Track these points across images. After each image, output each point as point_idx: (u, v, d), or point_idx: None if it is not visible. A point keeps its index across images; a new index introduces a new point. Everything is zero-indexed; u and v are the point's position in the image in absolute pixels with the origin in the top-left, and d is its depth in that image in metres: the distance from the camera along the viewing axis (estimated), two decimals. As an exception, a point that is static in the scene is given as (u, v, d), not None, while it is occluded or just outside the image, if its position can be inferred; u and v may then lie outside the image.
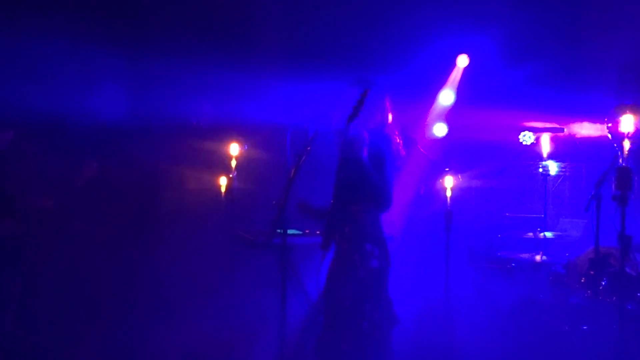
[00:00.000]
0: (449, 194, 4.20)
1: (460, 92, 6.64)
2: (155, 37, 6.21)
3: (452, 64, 6.61)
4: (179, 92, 6.15)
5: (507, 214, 6.40)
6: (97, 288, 5.35)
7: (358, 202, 3.28)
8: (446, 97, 6.72)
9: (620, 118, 3.89)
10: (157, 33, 6.25)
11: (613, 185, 3.70)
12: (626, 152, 3.74)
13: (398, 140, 3.40)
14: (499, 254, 5.44)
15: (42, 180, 5.10)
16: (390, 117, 3.47)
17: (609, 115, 4.41)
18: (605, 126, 4.47)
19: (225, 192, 4.72)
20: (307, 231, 4.25)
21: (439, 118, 6.75)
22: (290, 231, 3.29)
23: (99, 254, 5.49)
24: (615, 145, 3.81)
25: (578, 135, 6.10)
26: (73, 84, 5.76)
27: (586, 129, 6.04)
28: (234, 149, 4.66)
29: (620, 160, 3.73)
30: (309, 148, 3.24)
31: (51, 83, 5.60)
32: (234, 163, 4.60)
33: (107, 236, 5.64)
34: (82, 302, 5.15)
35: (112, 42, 5.90)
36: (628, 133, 3.83)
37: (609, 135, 4.11)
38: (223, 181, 4.75)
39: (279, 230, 3.16)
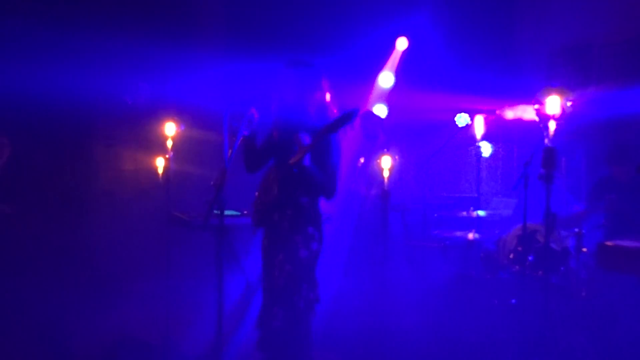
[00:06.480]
0: (386, 174, 4.26)
1: (399, 74, 6.73)
2: (91, 12, 5.98)
3: (392, 47, 6.68)
4: (114, 70, 5.96)
5: (443, 194, 6.58)
6: (29, 270, 5.17)
7: (303, 190, 3.30)
8: (386, 79, 6.79)
9: (546, 100, 4.05)
10: (92, 7, 6.01)
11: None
12: (552, 133, 3.90)
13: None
14: (434, 232, 5.60)
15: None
16: (328, 97, 3.50)
17: (536, 97, 4.59)
18: (532, 108, 4.65)
19: (162, 173, 4.63)
20: (245, 212, 4.23)
21: (379, 100, 6.82)
22: (227, 212, 3.27)
23: (30, 236, 5.30)
24: (541, 126, 3.97)
25: (510, 117, 6.30)
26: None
27: (518, 111, 6.24)
28: (170, 128, 4.56)
29: (546, 141, 3.89)
30: (244, 130, 3.24)
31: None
32: (170, 143, 4.51)
33: (39, 218, 5.45)
34: (14, 285, 4.97)
35: (44, 15, 5.63)
36: (554, 114, 3.99)
37: (536, 118, 4.28)
38: (159, 162, 4.66)
39: (216, 211, 3.14)
